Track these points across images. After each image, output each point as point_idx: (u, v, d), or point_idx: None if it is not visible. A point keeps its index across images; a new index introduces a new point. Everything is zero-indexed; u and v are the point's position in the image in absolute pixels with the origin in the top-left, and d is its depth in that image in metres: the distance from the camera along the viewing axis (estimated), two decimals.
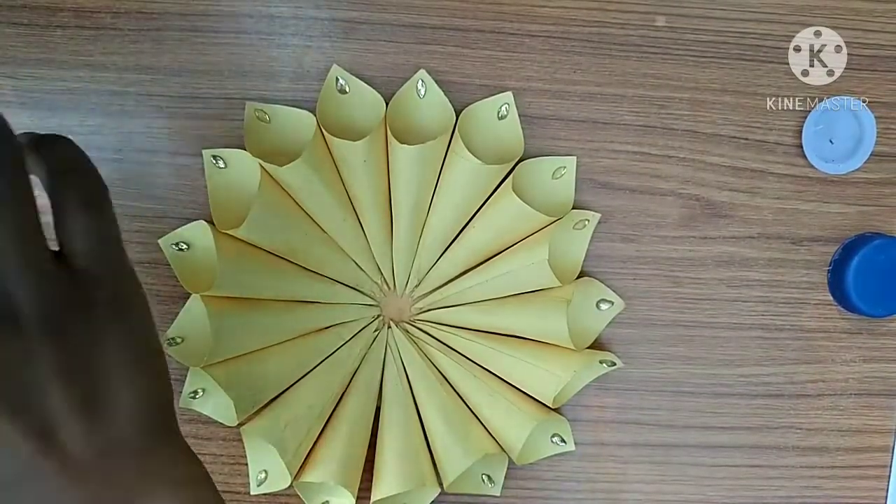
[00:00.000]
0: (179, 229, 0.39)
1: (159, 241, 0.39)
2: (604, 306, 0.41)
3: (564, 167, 0.40)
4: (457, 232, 0.40)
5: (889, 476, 0.43)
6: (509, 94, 0.40)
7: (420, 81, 0.39)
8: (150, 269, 0.40)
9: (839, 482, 0.43)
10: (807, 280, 0.42)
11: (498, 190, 0.40)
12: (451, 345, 0.42)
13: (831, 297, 0.42)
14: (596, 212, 0.40)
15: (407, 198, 0.39)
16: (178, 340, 0.39)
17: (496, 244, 0.40)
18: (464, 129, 0.39)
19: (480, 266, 0.41)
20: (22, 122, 0.39)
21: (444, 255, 0.41)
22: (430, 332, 0.42)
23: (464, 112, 0.39)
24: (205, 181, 0.40)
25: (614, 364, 0.40)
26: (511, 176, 0.39)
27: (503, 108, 0.40)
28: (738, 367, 0.42)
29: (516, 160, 0.39)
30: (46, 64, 0.39)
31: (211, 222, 0.39)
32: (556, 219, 0.39)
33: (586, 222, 0.40)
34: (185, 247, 0.39)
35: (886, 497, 0.43)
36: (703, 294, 0.42)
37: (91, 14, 0.39)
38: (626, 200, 0.41)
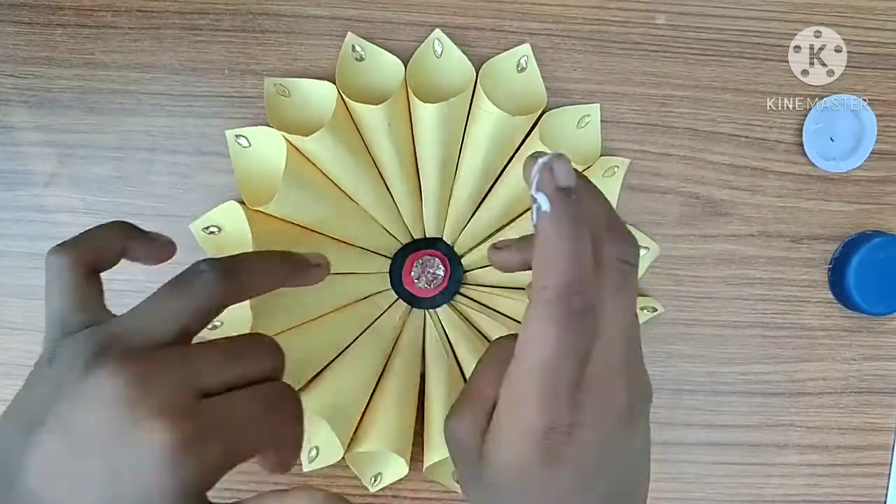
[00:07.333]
0: (210, 212, 0.39)
1: (190, 226, 0.39)
2: (641, 252, 0.41)
3: (589, 115, 0.40)
4: (487, 188, 0.40)
5: (889, 474, 0.43)
6: (527, 45, 0.39)
7: (436, 41, 0.39)
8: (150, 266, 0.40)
9: (839, 480, 0.43)
10: (807, 278, 0.42)
11: (525, 142, 0.39)
12: (490, 305, 0.41)
13: (832, 295, 0.42)
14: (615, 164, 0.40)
15: (433, 157, 0.38)
16: (216, 230, 0.38)
17: (527, 198, 0.40)
18: (485, 84, 0.38)
19: (513, 222, 0.40)
20: (22, 120, 0.39)
21: (475, 213, 0.40)
22: (468, 294, 0.41)
23: (483, 66, 0.39)
24: (204, 179, 0.40)
25: (656, 310, 0.40)
26: (537, 127, 0.39)
27: (522, 61, 0.39)
28: (739, 365, 0.42)
29: (540, 111, 0.39)
30: (47, 62, 0.39)
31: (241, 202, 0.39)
32: (585, 167, 0.39)
33: (616, 169, 0.40)
34: (215, 229, 0.39)
35: (886, 494, 0.43)
36: (703, 292, 0.42)
37: (91, 12, 0.39)
38: (627, 198, 0.41)
